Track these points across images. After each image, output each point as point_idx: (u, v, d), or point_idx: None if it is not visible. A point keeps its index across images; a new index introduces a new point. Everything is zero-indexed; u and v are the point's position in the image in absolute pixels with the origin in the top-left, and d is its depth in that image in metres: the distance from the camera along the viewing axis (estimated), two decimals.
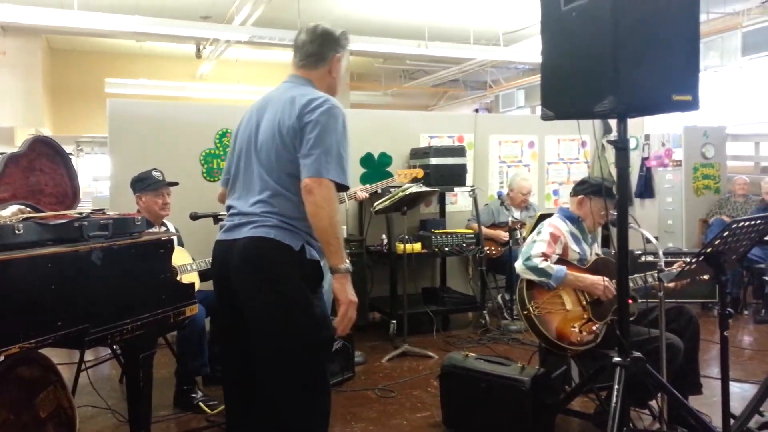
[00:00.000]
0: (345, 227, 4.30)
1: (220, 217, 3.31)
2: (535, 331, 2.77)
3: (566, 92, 2.40)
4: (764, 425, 2.71)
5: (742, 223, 2.37)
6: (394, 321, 4.49)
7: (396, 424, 3.04)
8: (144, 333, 2.42)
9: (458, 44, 8.49)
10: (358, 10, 8.38)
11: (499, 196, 5.36)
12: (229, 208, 2.11)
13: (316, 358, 1.95)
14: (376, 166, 5.32)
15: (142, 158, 4.25)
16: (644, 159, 7.29)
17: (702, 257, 2.40)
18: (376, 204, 4.36)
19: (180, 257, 3.33)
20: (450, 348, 4.22)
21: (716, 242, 2.36)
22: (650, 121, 8.97)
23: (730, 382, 3.38)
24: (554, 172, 6.18)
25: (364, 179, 5.12)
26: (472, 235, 4.85)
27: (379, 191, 4.56)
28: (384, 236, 4.80)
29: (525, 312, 2.78)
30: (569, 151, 6.16)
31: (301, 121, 1.95)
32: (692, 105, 2.30)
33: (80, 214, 2.32)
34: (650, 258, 4.86)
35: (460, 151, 5.20)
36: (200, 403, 3.12)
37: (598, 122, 6.44)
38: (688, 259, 2.54)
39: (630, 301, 2.95)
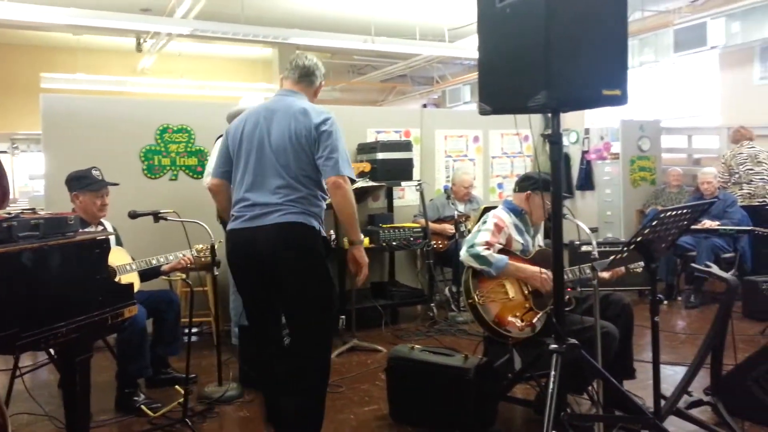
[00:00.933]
0: None
1: (160, 215, 3.23)
2: (478, 320, 2.82)
3: (502, 87, 2.45)
4: (692, 404, 2.86)
5: (669, 213, 2.48)
6: (343, 316, 4.50)
7: (343, 419, 3.06)
8: (79, 336, 2.35)
9: (404, 40, 8.53)
10: (303, 5, 8.32)
11: (445, 190, 5.43)
12: (242, 199, 2.52)
13: (332, 307, 2.66)
14: None
15: (78, 155, 4.12)
16: (584, 152, 7.52)
17: (633, 246, 2.50)
18: None
19: (118, 257, 3.24)
20: (398, 341, 4.26)
21: (646, 231, 2.46)
22: (590, 115, 9.28)
23: (664, 366, 3.59)
24: (498, 166, 6.31)
25: None
26: (420, 230, 4.89)
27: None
28: (332, 231, 4.79)
29: (470, 301, 2.83)
30: (512, 145, 6.29)
31: (318, 130, 2.44)
32: (621, 99, 2.38)
33: (9, 214, 2.23)
34: (589, 248, 5.05)
35: (406, 146, 5.24)
36: (142, 406, 3.05)
37: (539, 116, 6.63)
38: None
39: (569, 290, 3.07)
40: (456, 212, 5.14)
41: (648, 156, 7.02)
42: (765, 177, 5.81)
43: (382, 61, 11.28)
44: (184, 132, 4.72)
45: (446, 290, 5.35)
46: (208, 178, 4.03)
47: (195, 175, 4.73)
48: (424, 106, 12.83)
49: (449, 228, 5.18)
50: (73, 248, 2.37)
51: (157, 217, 3.25)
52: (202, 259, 3.38)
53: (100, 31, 7.91)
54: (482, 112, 2.55)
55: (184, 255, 3.39)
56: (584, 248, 4.45)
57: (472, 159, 6.18)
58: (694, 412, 2.82)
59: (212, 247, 3.28)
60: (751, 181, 5.79)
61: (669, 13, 7.42)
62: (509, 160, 6.34)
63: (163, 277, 3.59)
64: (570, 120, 9.23)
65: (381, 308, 4.73)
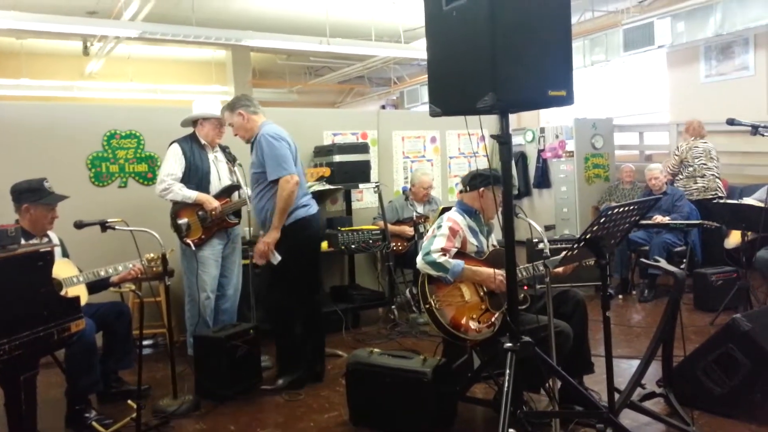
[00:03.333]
0: (249, 228, 4.20)
1: (107, 224, 3.13)
2: (436, 324, 2.82)
3: (451, 89, 2.46)
4: (646, 397, 2.93)
5: (616, 210, 2.53)
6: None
7: (303, 427, 3.02)
8: (23, 353, 2.27)
9: (360, 41, 8.51)
10: (256, 6, 8.21)
11: (404, 191, 5.43)
12: (307, 193, 3.69)
13: None
14: None
15: (22, 164, 3.97)
16: (540, 151, 7.65)
17: (582, 243, 2.54)
18: None
19: (64, 269, 3.12)
20: (359, 345, 4.23)
21: (594, 228, 2.50)
22: (545, 114, 9.45)
23: (621, 359, 3.66)
24: (456, 166, 6.34)
25: None
26: (379, 232, 4.88)
27: None
28: None
29: (427, 306, 2.83)
30: (469, 145, 6.34)
31: None
32: (567, 100, 2.42)
33: None
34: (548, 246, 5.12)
35: (363, 148, 5.22)
36: (94, 423, 2.94)
37: (495, 116, 6.69)
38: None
39: (525, 287, 3.10)
40: (415, 213, 5.15)
41: (601, 153, 7.19)
42: (716, 173, 5.96)
43: (339, 62, 11.24)
44: (133, 138, 4.59)
45: (407, 292, 5.35)
46: (162, 185, 3.96)
47: (145, 182, 4.61)
48: (383, 107, 12.86)
49: (408, 229, 5.18)
50: (13, 261, 2.28)
51: (104, 226, 3.14)
52: (154, 269, 3.28)
53: (45, 35, 7.64)
54: (433, 114, 2.56)
55: (134, 265, 3.29)
56: (541, 245, 4.53)
57: (430, 159, 6.20)
58: (648, 404, 2.89)
59: (163, 256, 3.19)
60: (704, 175, 5.91)
61: (618, 14, 7.61)
62: (467, 160, 6.39)
63: (113, 288, 3.48)
64: (526, 119, 9.40)
65: (341, 312, 4.69)
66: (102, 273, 3.22)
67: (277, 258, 3.46)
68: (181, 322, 4.16)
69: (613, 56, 7.68)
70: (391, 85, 12.30)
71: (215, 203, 3.91)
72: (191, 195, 3.87)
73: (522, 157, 7.92)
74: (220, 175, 4.08)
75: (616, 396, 2.69)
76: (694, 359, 2.91)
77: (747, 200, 4.61)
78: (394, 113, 9.31)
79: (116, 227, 3.11)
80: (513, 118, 9.23)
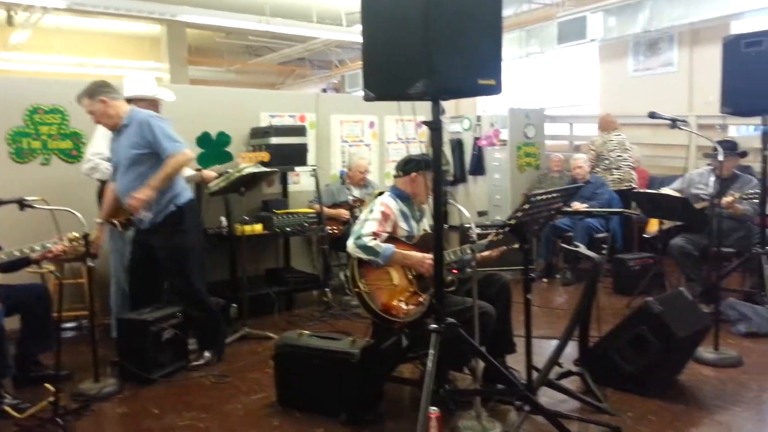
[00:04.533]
0: None
1: (26, 202, 2.99)
2: (365, 308, 2.86)
3: (385, 74, 2.48)
4: (563, 375, 3.08)
5: (540, 197, 2.63)
6: (235, 305, 4.41)
7: (230, 409, 3.00)
8: None
9: (301, 22, 8.40)
10: None
11: (341, 175, 5.44)
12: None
13: None
14: (214, 146, 5.13)
15: None
16: (476, 139, 7.79)
17: (507, 228, 2.63)
18: (211, 185, 4.21)
19: None
20: (291, 327, 4.22)
21: (519, 214, 2.59)
22: (482, 102, 9.63)
23: (543, 339, 3.82)
24: (394, 152, 6.38)
25: (202, 160, 4.93)
26: (314, 215, 4.87)
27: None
28: (223, 218, 4.67)
29: (356, 290, 2.86)
30: (407, 131, 6.39)
31: None
32: (495, 89, 2.48)
33: None
34: (478, 231, 5.25)
35: (300, 131, 5.18)
36: (7, 408, 2.83)
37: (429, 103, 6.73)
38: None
39: (455, 271, 3.18)
40: (351, 197, 5.16)
41: (533, 143, 7.40)
42: (631, 163, 6.31)
43: (279, 43, 11.05)
44: (57, 113, 4.38)
45: (341, 275, 5.38)
46: (89, 164, 3.82)
47: (70, 160, 4.41)
48: (324, 90, 12.75)
49: (344, 213, 5.20)
50: None
51: (22, 204, 3.00)
52: (77, 249, 3.16)
53: None
54: (367, 99, 2.57)
55: (56, 244, 3.16)
56: (475, 231, 4.65)
57: (368, 144, 6.21)
58: (565, 382, 3.04)
59: (86, 236, 3.07)
60: (620, 167, 6.25)
61: (553, 6, 7.82)
62: (404, 146, 6.44)
63: (29, 269, 3.34)
64: (464, 107, 9.54)
65: (275, 295, 4.67)
66: (17, 253, 3.07)
67: (148, 216, 3.46)
68: (106, 304, 4.04)
69: (548, 48, 7.90)
70: (332, 68, 12.20)
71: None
72: None
73: (458, 145, 8.04)
74: None
75: (536, 375, 2.82)
76: (608, 340, 3.08)
77: (665, 190, 4.87)
78: (333, 97, 9.26)
79: (35, 206, 2.98)
80: (451, 106, 9.39)
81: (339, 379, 2.80)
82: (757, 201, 4.11)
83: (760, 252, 3.76)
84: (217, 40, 11.06)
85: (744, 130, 6.83)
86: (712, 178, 3.98)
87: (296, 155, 5.07)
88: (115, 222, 3.73)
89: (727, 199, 4.31)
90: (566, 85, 9.11)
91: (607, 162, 6.31)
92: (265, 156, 4.78)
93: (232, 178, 4.13)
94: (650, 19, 6.84)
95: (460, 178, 7.98)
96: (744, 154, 4.62)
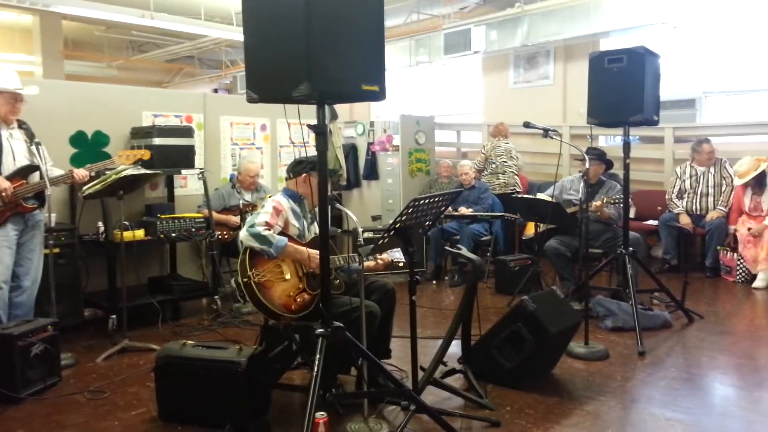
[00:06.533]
0: (54, 215, 3.82)
1: None
2: (252, 299, 2.82)
3: (268, 76, 2.46)
4: (447, 373, 3.18)
5: (422, 201, 2.71)
6: (114, 316, 4.16)
7: (106, 426, 2.83)
8: None
9: (188, 19, 8.08)
10: None
11: (231, 179, 5.30)
12: None
13: None
14: (90, 146, 4.81)
15: None
16: (370, 144, 7.91)
17: (392, 232, 2.69)
18: (85, 188, 3.94)
19: None
20: (177, 338, 4.04)
21: (403, 218, 2.66)
22: (375, 108, 9.78)
23: (431, 340, 3.94)
24: (286, 155, 6.31)
25: (76, 160, 4.61)
26: (202, 220, 4.70)
27: (93, 173, 4.14)
28: (100, 223, 4.39)
29: (245, 279, 2.81)
30: (300, 134, 6.34)
31: None
32: (379, 95, 2.53)
33: None
34: (369, 234, 5.33)
35: (187, 132, 4.99)
36: None
37: (326, 107, 6.72)
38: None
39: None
40: (242, 201, 5.04)
41: (424, 149, 7.63)
42: (515, 170, 6.82)
43: (166, 39, 10.58)
44: None
45: (232, 281, 5.22)
46: None
47: None
48: (215, 90, 12.38)
49: (234, 218, 5.07)
50: None
51: None
52: None
53: None
54: (249, 100, 2.54)
55: None
56: (366, 234, 4.71)
57: (260, 147, 6.10)
58: (449, 380, 3.15)
59: None
60: (505, 172, 6.72)
61: (440, 18, 8.10)
62: (297, 150, 6.39)
63: None
64: (357, 112, 9.65)
65: (159, 305, 4.46)
66: None
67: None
68: None
69: (435, 58, 8.18)
70: (223, 68, 11.86)
71: (5, 184, 3.51)
72: None
73: (353, 150, 8.11)
74: (15, 154, 3.67)
75: (422, 374, 2.90)
76: (488, 338, 3.23)
77: (540, 195, 5.20)
78: (223, 97, 9.02)
79: None
80: (345, 111, 9.45)
81: (224, 389, 2.72)
82: (621, 205, 4.50)
83: (624, 253, 4.13)
84: (96, 33, 10.39)
85: (611, 140, 7.44)
86: (582, 185, 4.29)
87: (182, 157, 4.87)
88: None
89: (595, 204, 4.69)
90: (454, 94, 9.48)
91: (493, 166, 6.77)
92: (145, 154, 4.53)
93: (109, 181, 3.89)
94: (528, 34, 7.28)
95: (354, 183, 8.06)
96: (609, 162, 5.04)
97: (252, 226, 2.90)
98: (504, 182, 6.69)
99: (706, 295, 5.17)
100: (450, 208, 5.93)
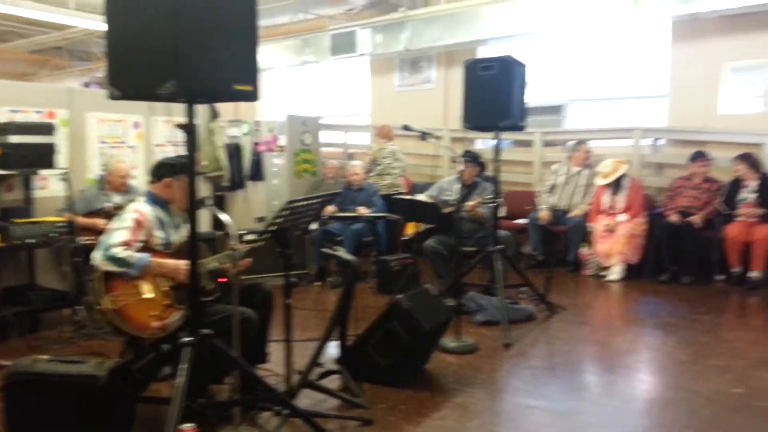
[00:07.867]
0: None
1: None
2: (112, 326, 2.65)
3: (132, 71, 2.33)
4: (324, 375, 3.19)
5: (299, 203, 2.70)
6: None
7: None
8: None
9: (53, 7, 7.48)
10: None
11: (99, 180, 4.97)
12: None
13: None
14: None
15: None
16: (255, 144, 7.74)
17: (269, 235, 2.65)
18: None
19: None
20: (35, 353, 3.71)
21: (279, 220, 2.63)
22: (262, 107, 9.61)
23: (311, 342, 3.90)
24: (162, 155, 6.01)
25: None
26: (64, 224, 4.36)
27: None
28: None
29: (99, 308, 2.63)
30: (176, 133, 6.08)
31: None
32: (252, 95, 2.47)
33: None
34: (251, 236, 5.21)
35: (47, 129, 4.61)
36: None
37: (206, 106, 6.51)
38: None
39: (225, 280, 3.10)
40: (111, 204, 4.74)
41: (310, 149, 7.58)
42: (400, 172, 6.99)
43: (31, 29, 9.72)
44: None
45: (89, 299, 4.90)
46: None
47: None
48: (86, 85, 11.53)
49: (101, 222, 4.73)
50: None
51: None
52: None
53: None
54: (112, 97, 2.39)
55: None
56: (247, 237, 4.59)
57: (133, 146, 5.76)
58: (326, 381, 3.15)
59: None
60: (390, 173, 6.86)
61: (326, 18, 8.11)
62: (173, 149, 6.11)
63: None
64: (243, 112, 9.41)
65: (14, 316, 4.08)
66: None
67: None
68: None
69: (322, 58, 8.18)
70: (94, 60, 11.09)
71: None
72: None
73: (237, 150, 7.90)
74: None
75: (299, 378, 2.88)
76: (365, 337, 3.27)
77: (420, 197, 5.36)
78: (90, 92, 8.36)
79: None
80: (230, 110, 9.18)
81: (84, 405, 2.53)
82: (492, 205, 4.74)
83: (493, 250, 4.34)
84: None
85: (488, 143, 7.82)
86: (457, 186, 4.47)
87: (41, 156, 4.49)
88: None
89: (469, 204, 4.90)
90: (342, 95, 9.52)
91: (380, 168, 6.90)
92: None
93: None
94: (411, 39, 7.47)
95: (238, 184, 7.84)
96: (482, 165, 5.28)
97: (107, 248, 2.70)
98: (390, 183, 6.83)
99: (568, 289, 5.57)
100: (336, 208, 5.96)
